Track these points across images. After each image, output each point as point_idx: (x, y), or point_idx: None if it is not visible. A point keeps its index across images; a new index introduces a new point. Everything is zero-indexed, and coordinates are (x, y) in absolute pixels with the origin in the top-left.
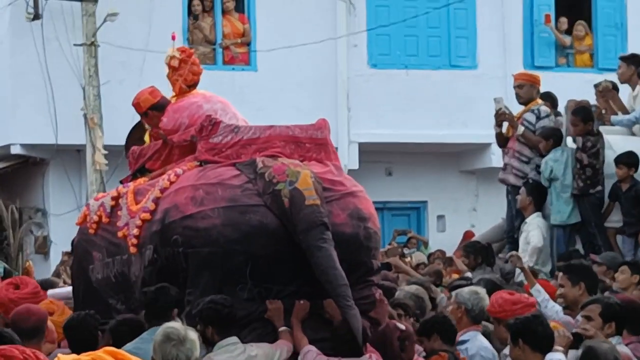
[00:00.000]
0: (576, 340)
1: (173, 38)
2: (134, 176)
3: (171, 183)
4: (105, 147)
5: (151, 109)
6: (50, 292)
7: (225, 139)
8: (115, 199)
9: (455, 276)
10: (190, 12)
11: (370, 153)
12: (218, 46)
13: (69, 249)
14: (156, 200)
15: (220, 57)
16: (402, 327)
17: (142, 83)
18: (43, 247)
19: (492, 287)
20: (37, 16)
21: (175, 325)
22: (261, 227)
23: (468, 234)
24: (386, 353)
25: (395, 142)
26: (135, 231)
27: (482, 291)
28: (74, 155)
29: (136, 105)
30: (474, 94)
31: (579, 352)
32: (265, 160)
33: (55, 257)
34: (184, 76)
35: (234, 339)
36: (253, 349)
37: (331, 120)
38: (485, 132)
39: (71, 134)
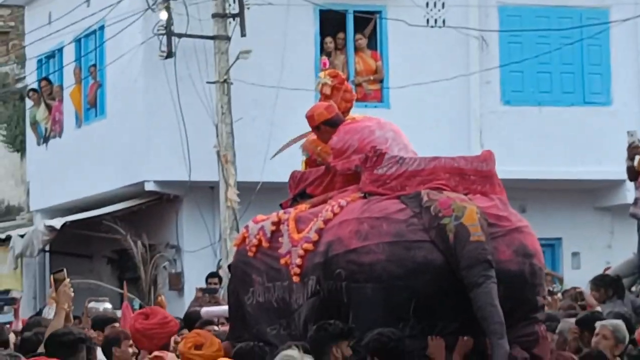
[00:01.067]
0: None
1: (324, 65)
2: (294, 200)
3: (335, 214)
4: (238, 183)
5: (324, 124)
6: (204, 309)
7: (390, 170)
8: (276, 224)
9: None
10: (322, 49)
11: (504, 189)
12: (350, 83)
13: (202, 285)
14: (319, 232)
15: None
16: None
17: (274, 120)
18: (177, 284)
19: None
20: (170, 54)
21: (292, 353)
22: (426, 263)
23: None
24: None
25: (529, 179)
26: (298, 260)
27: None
28: (207, 192)
29: (310, 117)
30: (607, 130)
31: None
32: (431, 194)
33: (189, 293)
34: (336, 104)
35: None
36: None
37: None
38: (620, 169)
39: (204, 171)
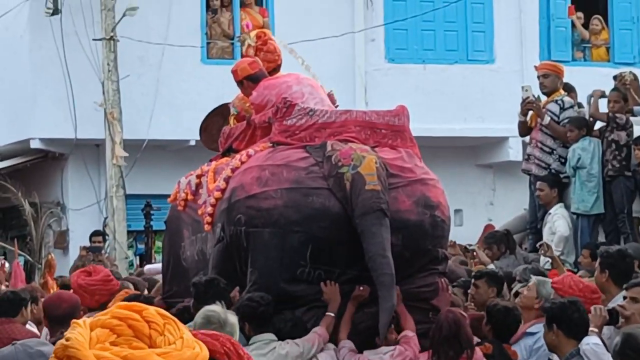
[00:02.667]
0: (611, 318)
1: (247, 27)
2: (224, 156)
3: (242, 163)
4: (124, 141)
5: (247, 79)
6: (147, 267)
7: (299, 121)
8: (199, 177)
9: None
10: (208, 6)
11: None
12: (236, 40)
13: (87, 243)
14: (227, 179)
15: (238, 52)
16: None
17: (160, 77)
18: (62, 242)
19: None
20: (56, 11)
21: (216, 308)
22: (323, 210)
23: (488, 228)
24: (445, 338)
25: (413, 136)
26: (209, 209)
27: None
28: (93, 149)
29: (234, 72)
30: (491, 88)
31: (616, 331)
32: (335, 144)
33: (74, 251)
34: None
35: (268, 335)
36: (284, 347)
37: None
38: (502, 126)
39: (90, 129)
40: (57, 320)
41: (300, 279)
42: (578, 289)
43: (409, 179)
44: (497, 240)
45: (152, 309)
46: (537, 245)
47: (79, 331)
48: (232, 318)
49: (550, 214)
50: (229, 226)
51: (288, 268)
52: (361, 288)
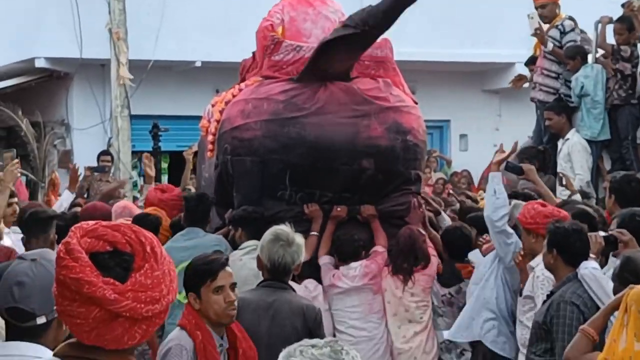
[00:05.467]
0: (610, 244)
1: None
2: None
3: (233, 96)
4: (130, 61)
5: None
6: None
7: (287, 56)
8: (213, 105)
9: None
10: None
11: (399, 73)
12: None
13: (92, 163)
14: (221, 111)
15: None
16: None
17: None
18: (66, 161)
19: None
20: None
21: (285, 228)
22: (299, 138)
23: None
24: (401, 251)
25: (419, 61)
26: (210, 137)
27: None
28: (98, 69)
29: None
30: (498, 14)
31: (616, 260)
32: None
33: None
34: None
35: (256, 242)
36: None
37: None
38: (509, 52)
39: (96, 49)
40: None
41: (282, 200)
42: (532, 219)
43: (382, 106)
44: (531, 157)
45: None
46: (560, 175)
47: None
48: (299, 238)
49: (568, 139)
50: (220, 154)
51: (269, 192)
52: (339, 209)
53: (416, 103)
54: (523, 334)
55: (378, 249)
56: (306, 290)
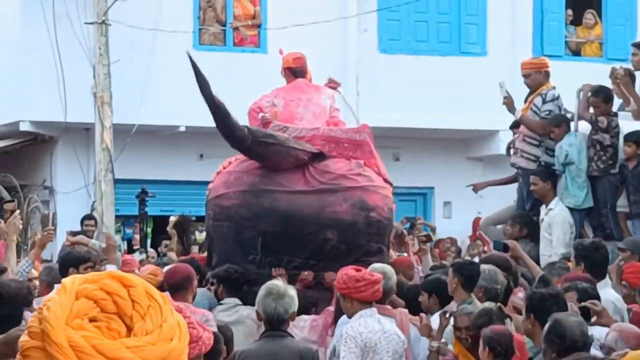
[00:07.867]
0: (584, 314)
1: (281, 53)
2: None
3: (224, 168)
4: (114, 125)
5: (287, 69)
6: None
7: None
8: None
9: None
10: None
11: (378, 138)
12: (228, 27)
13: (76, 227)
14: (214, 180)
15: (230, 39)
16: None
17: (151, 62)
18: (48, 225)
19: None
20: None
21: (277, 282)
22: (271, 208)
23: (477, 221)
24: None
25: (404, 127)
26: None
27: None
28: (82, 133)
29: (284, 60)
30: (482, 81)
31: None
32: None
33: (62, 235)
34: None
35: (235, 300)
36: (245, 310)
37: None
38: (493, 119)
39: (80, 113)
40: (174, 287)
41: (252, 264)
42: (345, 284)
43: (350, 185)
44: (523, 222)
45: (141, 287)
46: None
47: (61, 301)
48: (291, 290)
49: (551, 209)
50: (207, 219)
51: (242, 255)
52: (306, 273)
53: (390, 183)
54: None
55: (330, 308)
56: (297, 328)
